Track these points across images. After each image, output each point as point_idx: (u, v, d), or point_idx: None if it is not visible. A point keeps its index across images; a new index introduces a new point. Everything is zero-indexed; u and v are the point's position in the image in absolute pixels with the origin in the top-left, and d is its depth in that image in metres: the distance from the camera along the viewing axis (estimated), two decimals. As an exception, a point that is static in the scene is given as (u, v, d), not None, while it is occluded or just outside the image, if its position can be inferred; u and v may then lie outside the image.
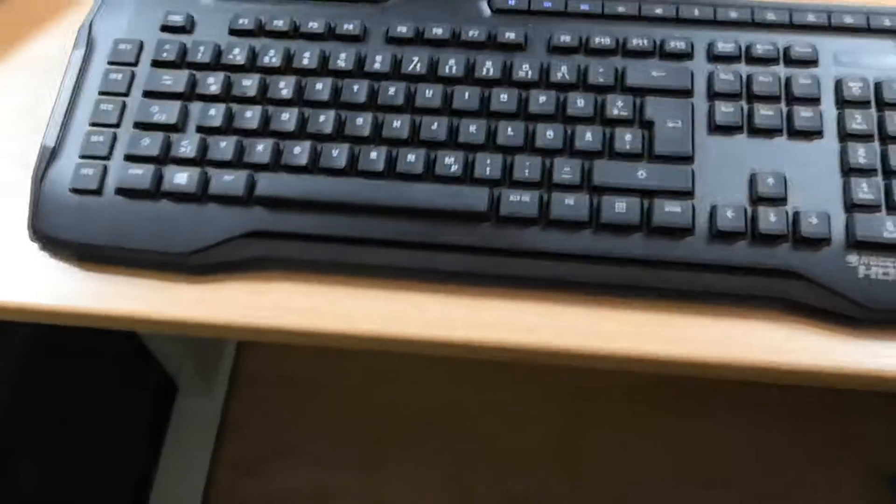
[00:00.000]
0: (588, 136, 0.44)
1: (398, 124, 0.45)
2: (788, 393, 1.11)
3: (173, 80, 0.46)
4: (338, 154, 0.44)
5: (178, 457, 1.08)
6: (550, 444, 1.10)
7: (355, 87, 0.46)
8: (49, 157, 0.45)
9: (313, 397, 1.14)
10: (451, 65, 0.46)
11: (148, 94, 0.46)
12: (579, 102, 0.45)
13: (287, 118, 0.45)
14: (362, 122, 0.45)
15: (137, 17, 0.49)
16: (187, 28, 0.48)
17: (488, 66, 0.46)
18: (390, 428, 1.11)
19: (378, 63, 0.46)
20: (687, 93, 0.45)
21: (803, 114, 0.44)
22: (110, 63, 0.48)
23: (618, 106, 0.44)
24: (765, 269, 0.41)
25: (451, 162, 0.43)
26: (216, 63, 0.47)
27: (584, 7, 0.48)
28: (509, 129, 0.44)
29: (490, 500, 1.06)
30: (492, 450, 1.10)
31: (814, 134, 0.43)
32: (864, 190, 0.42)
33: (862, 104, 0.44)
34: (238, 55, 0.47)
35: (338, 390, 1.14)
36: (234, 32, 0.48)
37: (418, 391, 1.14)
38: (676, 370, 0.41)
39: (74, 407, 0.89)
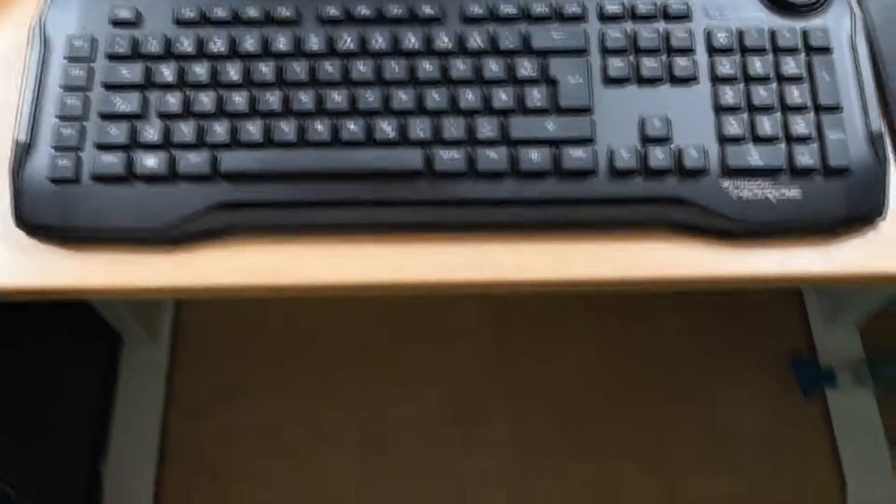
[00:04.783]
0: (503, 97, 0.51)
1: (338, 97, 0.51)
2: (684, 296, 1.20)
3: (130, 72, 0.51)
4: (287, 129, 0.50)
5: (130, 405, 1.12)
6: (482, 355, 1.18)
7: (297, 67, 0.51)
8: (24, 151, 0.50)
9: (254, 340, 1.18)
10: (379, 40, 0.52)
11: (108, 87, 0.51)
12: (493, 67, 0.51)
13: (239, 100, 0.51)
14: (306, 99, 0.51)
15: (86, 13, 0.53)
16: (135, 21, 0.53)
17: (411, 39, 0.52)
18: (331, 362, 1.17)
19: (314, 43, 0.52)
20: (584, 51, 0.52)
21: (681, 63, 0.51)
22: (68, 59, 0.52)
23: (526, 67, 0.51)
24: (656, 198, 0.49)
25: (387, 128, 0.50)
26: (167, 53, 0.52)
27: (491, -22, 0.54)
28: (435, 94, 0.51)
29: (432, 419, 1.14)
30: (428, 371, 1.17)
31: (690, 80, 0.51)
32: (733, 125, 0.50)
33: (728, 51, 0.52)
34: (187, 45, 0.52)
35: (277, 331, 1.18)
36: (179, 23, 0.53)
37: (355, 325, 1.19)
38: (587, 289, 0.50)
39: (26, 367, 0.91)
